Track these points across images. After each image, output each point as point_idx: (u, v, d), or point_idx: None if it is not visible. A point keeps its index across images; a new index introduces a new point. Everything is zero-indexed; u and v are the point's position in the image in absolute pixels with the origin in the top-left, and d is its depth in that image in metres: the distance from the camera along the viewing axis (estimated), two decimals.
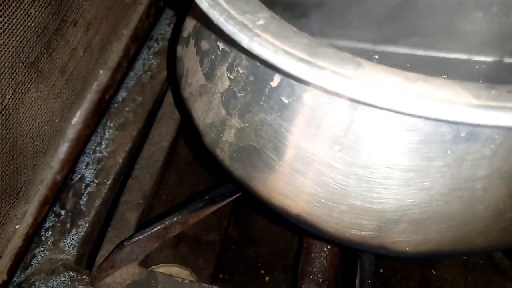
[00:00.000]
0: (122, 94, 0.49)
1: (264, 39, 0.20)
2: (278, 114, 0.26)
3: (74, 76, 0.50)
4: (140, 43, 0.61)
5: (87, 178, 0.43)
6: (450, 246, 0.27)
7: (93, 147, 0.45)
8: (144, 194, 0.41)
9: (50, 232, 0.40)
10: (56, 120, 0.49)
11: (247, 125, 0.28)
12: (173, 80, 0.40)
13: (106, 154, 0.44)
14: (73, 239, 0.40)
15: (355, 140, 0.24)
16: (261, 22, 0.22)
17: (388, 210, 0.26)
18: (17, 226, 0.43)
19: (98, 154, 0.45)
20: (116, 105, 0.49)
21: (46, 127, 0.47)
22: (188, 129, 0.43)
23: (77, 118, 0.52)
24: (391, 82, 0.19)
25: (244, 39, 0.21)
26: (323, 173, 0.26)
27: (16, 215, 0.43)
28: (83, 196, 0.42)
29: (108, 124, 0.47)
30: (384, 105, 0.19)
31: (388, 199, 0.25)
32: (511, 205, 0.26)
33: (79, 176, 0.43)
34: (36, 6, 0.42)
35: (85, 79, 0.53)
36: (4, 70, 0.39)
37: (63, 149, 0.49)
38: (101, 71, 0.56)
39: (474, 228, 0.26)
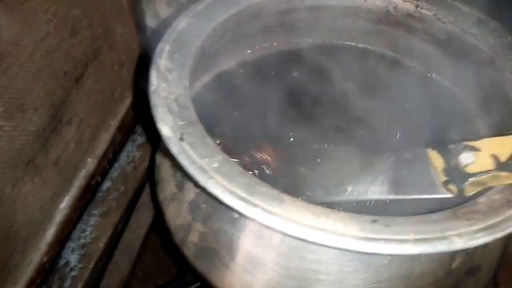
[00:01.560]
0: (107, 183, 0.56)
1: (216, 181, 0.28)
2: (231, 224, 0.34)
3: (65, 166, 0.57)
4: (125, 133, 0.69)
5: (72, 263, 0.49)
6: None
7: (79, 233, 0.51)
8: (122, 279, 0.46)
9: None
10: (47, 207, 0.55)
11: (208, 230, 0.35)
12: (151, 182, 0.48)
13: (89, 240, 0.50)
14: None
15: (288, 249, 0.32)
16: (215, 165, 0.29)
17: None
18: None
19: (82, 240, 0.50)
20: (101, 194, 0.55)
21: (37, 214, 0.53)
22: (160, 225, 0.50)
23: (65, 203, 0.58)
24: (302, 217, 0.26)
25: (201, 180, 0.28)
26: (266, 273, 0.33)
27: None
28: (67, 280, 0.47)
29: (93, 211, 0.53)
30: (297, 235, 0.26)
31: None
32: None
33: (64, 260, 0.49)
34: (38, 113, 0.50)
35: (74, 168, 0.60)
36: (6, 170, 0.46)
37: (51, 232, 0.55)
38: (89, 159, 0.62)
39: None
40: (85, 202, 0.59)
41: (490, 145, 0.32)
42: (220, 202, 0.28)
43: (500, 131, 0.39)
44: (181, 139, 0.30)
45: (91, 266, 0.48)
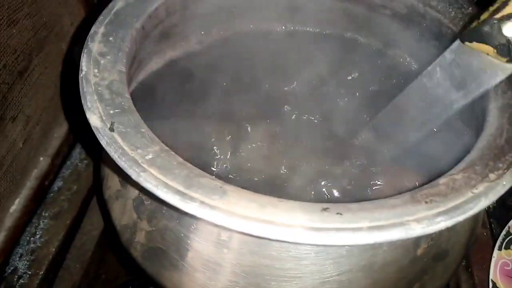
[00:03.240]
0: (58, 183, 0.53)
1: (149, 174, 0.25)
2: (177, 221, 0.31)
3: (12, 167, 0.53)
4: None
5: (20, 270, 0.45)
6: None
7: (27, 237, 0.47)
8: (74, 285, 0.43)
9: None
10: None
11: (154, 228, 0.32)
12: (98, 180, 0.44)
13: (39, 245, 0.47)
14: None
15: (239, 246, 0.29)
16: (150, 156, 0.26)
17: None
18: None
19: (32, 245, 0.47)
20: (51, 194, 0.51)
21: None
22: (107, 226, 0.46)
23: (15, 206, 0.54)
24: (247, 210, 0.24)
25: (132, 174, 0.25)
26: (217, 271, 0.30)
27: None
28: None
29: (43, 213, 0.50)
30: (242, 230, 0.23)
31: None
32: None
33: (12, 268, 0.45)
34: None
35: (24, 168, 0.56)
36: None
37: (0, 238, 0.51)
38: (41, 158, 0.58)
39: None
40: (38, 203, 0.56)
41: None
42: (159, 198, 0.25)
43: None
44: (111, 129, 0.27)
45: (41, 272, 0.45)
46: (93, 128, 0.27)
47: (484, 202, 0.25)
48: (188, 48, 0.47)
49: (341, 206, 0.24)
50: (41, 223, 0.49)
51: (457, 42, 0.31)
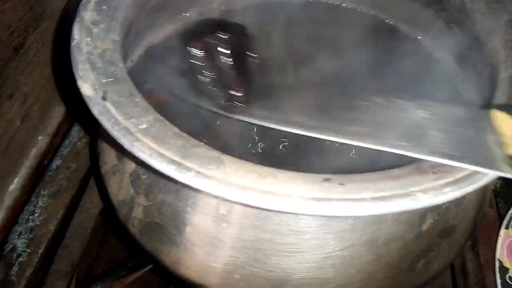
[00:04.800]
0: (57, 162, 0.52)
1: (143, 143, 0.24)
2: (175, 195, 0.30)
3: (10, 146, 0.52)
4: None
5: (19, 248, 0.45)
6: None
7: (26, 216, 0.47)
8: (73, 263, 0.42)
9: None
10: None
11: (151, 203, 0.31)
12: (94, 157, 0.43)
13: (38, 223, 0.46)
14: None
15: (239, 219, 0.28)
16: (144, 126, 0.25)
17: (273, 278, 0.29)
18: None
19: (30, 223, 0.46)
20: (50, 173, 0.51)
21: None
22: (104, 203, 0.46)
23: (15, 185, 0.53)
24: (245, 180, 0.23)
25: (125, 144, 0.24)
26: (216, 246, 0.29)
27: None
28: (14, 267, 0.43)
29: (42, 192, 0.49)
30: (240, 200, 0.22)
31: (273, 269, 0.29)
32: (379, 267, 0.29)
33: (10, 246, 0.45)
34: None
35: (23, 147, 0.55)
36: None
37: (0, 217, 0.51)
38: (40, 137, 0.58)
39: None
40: (37, 182, 0.55)
41: None
42: (154, 170, 0.24)
43: None
44: (104, 98, 0.26)
45: (40, 251, 0.44)
46: (84, 97, 0.26)
47: (494, 172, 0.23)
48: (188, 21, 0.46)
49: (344, 177, 0.23)
50: (39, 201, 0.48)
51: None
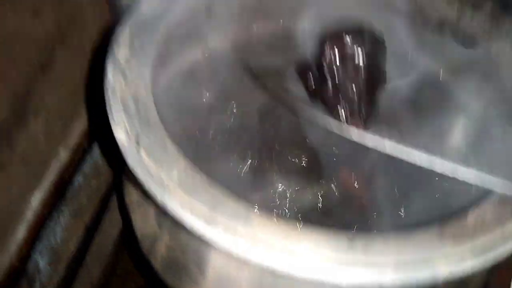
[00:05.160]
0: (79, 178, 0.53)
1: (174, 197, 0.25)
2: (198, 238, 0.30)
3: (33, 160, 0.54)
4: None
5: (41, 266, 0.46)
6: None
7: (48, 234, 0.48)
8: (92, 283, 0.43)
9: None
10: (16, 205, 0.51)
11: (175, 242, 0.32)
12: (119, 180, 0.44)
13: (59, 241, 0.47)
14: None
15: (261, 270, 0.28)
16: (175, 175, 0.26)
17: None
18: None
19: (52, 241, 0.47)
20: (72, 190, 0.52)
21: (5, 214, 0.50)
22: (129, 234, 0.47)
23: (37, 200, 0.54)
24: (271, 238, 0.23)
25: (157, 197, 0.25)
26: None
27: None
28: (36, 284, 0.45)
29: (64, 210, 0.50)
30: (259, 261, 0.23)
31: None
32: None
33: (33, 264, 0.46)
34: None
35: (45, 161, 0.56)
36: None
37: (21, 231, 0.52)
38: (62, 151, 0.59)
39: None
40: (58, 197, 0.56)
41: None
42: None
43: None
44: (137, 144, 0.27)
45: (61, 269, 0.45)
46: (118, 144, 0.27)
47: None
48: (212, 48, 0.47)
49: (366, 239, 0.24)
50: (61, 219, 0.49)
51: None
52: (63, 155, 0.59)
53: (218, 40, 0.46)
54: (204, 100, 0.39)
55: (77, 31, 0.58)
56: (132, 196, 0.37)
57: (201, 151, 0.35)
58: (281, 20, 0.46)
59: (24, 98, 0.50)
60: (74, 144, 0.60)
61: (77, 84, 0.60)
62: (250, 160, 0.36)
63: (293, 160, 0.35)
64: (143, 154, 0.27)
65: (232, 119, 0.40)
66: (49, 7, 0.51)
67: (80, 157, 0.59)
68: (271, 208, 0.33)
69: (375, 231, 0.30)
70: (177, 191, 0.25)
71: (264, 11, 0.47)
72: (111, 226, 0.48)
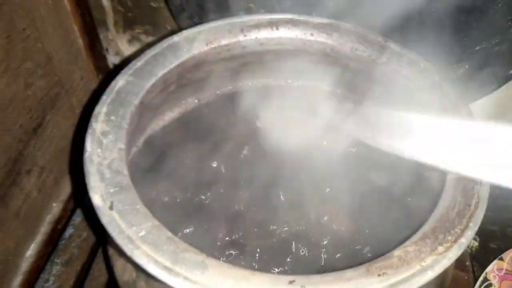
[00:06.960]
0: (70, 230, 0.57)
1: (141, 251, 0.29)
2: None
3: (27, 215, 0.58)
4: None
5: None
6: None
7: (41, 284, 0.52)
8: None
9: None
10: (10, 258, 0.55)
11: (150, 287, 0.36)
12: (102, 237, 0.49)
13: None
14: None
15: None
16: (142, 233, 0.30)
17: None
18: None
19: None
20: (63, 241, 0.56)
21: (1, 266, 0.54)
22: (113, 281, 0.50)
23: (30, 251, 0.58)
24: (224, 284, 0.28)
25: (127, 251, 0.29)
26: None
27: None
28: None
29: (56, 260, 0.54)
30: None
31: None
32: None
33: None
34: None
35: (39, 215, 0.61)
36: None
37: (17, 282, 0.56)
38: (54, 204, 0.63)
39: None
40: (51, 248, 0.60)
41: None
42: None
43: None
44: (111, 208, 0.32)
45: None
46: (95, 207, 0.32)
47: (431, 275, 0.28)
48: (186, 108, 0.52)
49: (305, 279, 0.28)
50: (53, 269, 0.53)
51: None
52: (55, 208, 0.63)
53: (191, 104, 0.52)
54: (176, 164, 0.44)
55: (67, 95, 0.64)
56: (113, 249, 0.41)
57: (172, 210, 0.40)
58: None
59: (18, 161, 0.55)
60: (66, 196, 0.65)
61: (67, 141, 0.65)
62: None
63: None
64: (115, 215, 0.31)
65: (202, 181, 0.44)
66: (40, 78, 0.57)
67: (71, 210, 0.63)
68: (229, 257, 0.37)
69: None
70: (143, 246, 0.30)
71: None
72: (100, 273, 0.52)
